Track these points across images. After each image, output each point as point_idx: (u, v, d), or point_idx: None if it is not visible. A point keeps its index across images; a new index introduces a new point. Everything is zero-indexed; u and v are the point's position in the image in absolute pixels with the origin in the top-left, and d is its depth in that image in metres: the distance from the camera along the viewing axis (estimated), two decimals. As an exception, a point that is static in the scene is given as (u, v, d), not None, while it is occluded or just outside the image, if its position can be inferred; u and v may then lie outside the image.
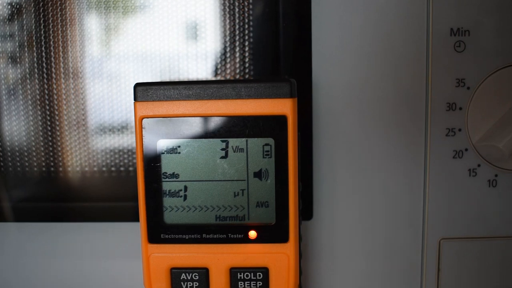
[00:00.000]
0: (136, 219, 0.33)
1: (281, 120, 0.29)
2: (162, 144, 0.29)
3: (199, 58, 0.37)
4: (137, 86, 0.29)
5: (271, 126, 0.29)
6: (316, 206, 0.36)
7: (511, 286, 0.37)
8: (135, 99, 0.29)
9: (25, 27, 0.37)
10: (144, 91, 0.29)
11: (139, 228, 0.30)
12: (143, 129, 0.29)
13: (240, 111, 0.29)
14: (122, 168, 0.39)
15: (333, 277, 0.37)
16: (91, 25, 0.37)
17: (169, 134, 0.29)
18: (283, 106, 0.29)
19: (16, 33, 0.37)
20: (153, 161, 0.29)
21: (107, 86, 0.38)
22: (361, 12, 0.34)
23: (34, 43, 0.37)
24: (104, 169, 0.39)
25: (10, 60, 0.38)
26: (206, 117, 0.29)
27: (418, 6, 0.34)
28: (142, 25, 0.37)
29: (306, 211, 0.35)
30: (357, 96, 0.35)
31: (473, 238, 0.36)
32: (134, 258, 0.38)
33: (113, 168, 0.39)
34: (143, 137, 0.29)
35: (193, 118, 0.29)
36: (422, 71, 0.35)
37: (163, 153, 0.29)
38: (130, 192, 0.36)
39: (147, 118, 0.29)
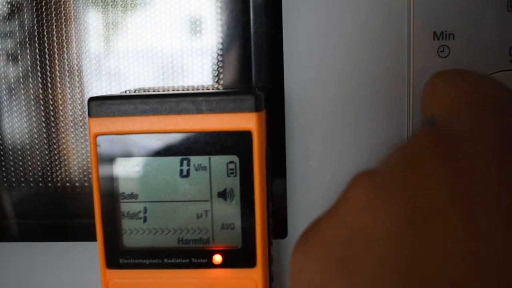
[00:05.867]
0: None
1: (245, 136, 0.27)
2: (119, 162, 0.27)
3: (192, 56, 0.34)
4: (91, 100, 0.27)
5: (235, 142, 0.27)
6: (290, 223, 0.34)
7: None
8: (89, 114, 0.27)
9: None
10: (97, 106, 0.27)
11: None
12: (97, 147, 0.27)
13: (200, 127, 0.27)
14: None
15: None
16: (91, 22, 0.34)
17: (126, 152, 0.27)
18: (247, 121, 0.27)
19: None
20: (109, 181, 0.28)
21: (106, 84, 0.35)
22: (337, 17, 0.32)
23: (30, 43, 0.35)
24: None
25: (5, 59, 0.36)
26: (164, 134, 0.27)
27: (399, 7, 0.32)
28: (139, 21, 0.34)
29: (280, 229, 0.33)
30: (334, 106, 0.33)
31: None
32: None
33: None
34: (98, 156, 0.27)
35: (151, 134, 0.27)
36: (403, 77, 0.32)
37: (120, 172, 0.28)
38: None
39: (102, 135, 0.27)
